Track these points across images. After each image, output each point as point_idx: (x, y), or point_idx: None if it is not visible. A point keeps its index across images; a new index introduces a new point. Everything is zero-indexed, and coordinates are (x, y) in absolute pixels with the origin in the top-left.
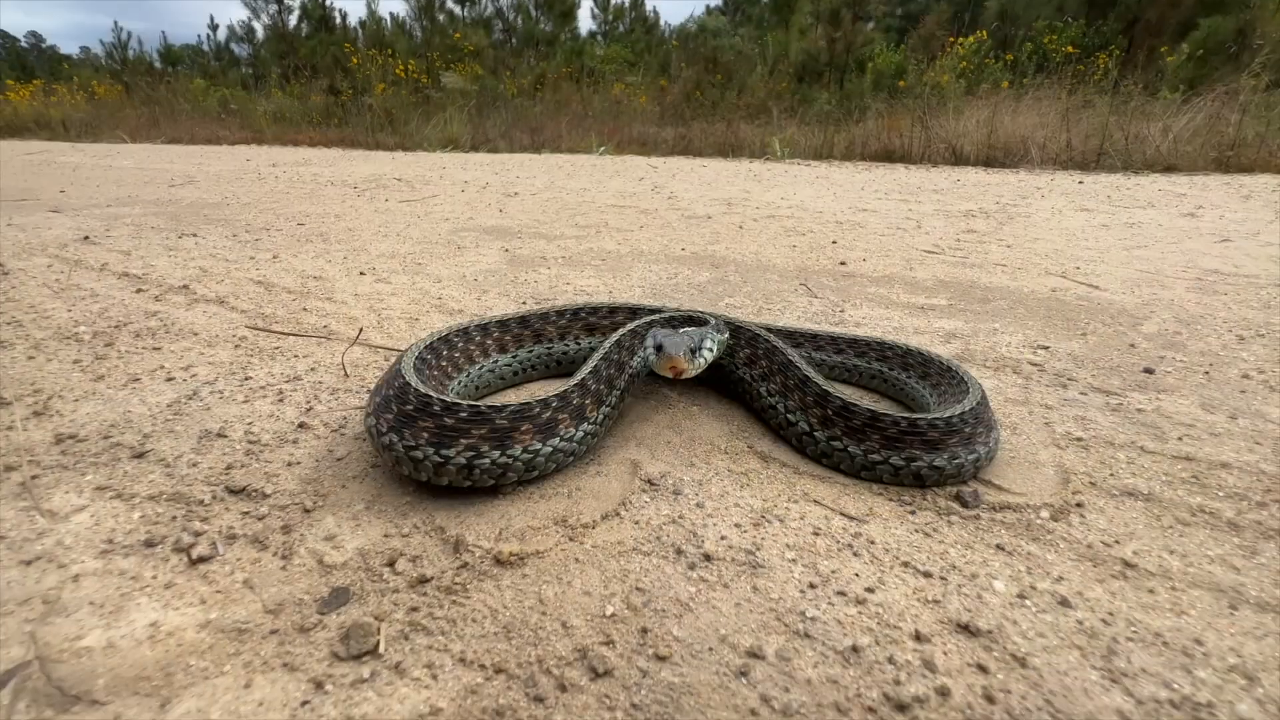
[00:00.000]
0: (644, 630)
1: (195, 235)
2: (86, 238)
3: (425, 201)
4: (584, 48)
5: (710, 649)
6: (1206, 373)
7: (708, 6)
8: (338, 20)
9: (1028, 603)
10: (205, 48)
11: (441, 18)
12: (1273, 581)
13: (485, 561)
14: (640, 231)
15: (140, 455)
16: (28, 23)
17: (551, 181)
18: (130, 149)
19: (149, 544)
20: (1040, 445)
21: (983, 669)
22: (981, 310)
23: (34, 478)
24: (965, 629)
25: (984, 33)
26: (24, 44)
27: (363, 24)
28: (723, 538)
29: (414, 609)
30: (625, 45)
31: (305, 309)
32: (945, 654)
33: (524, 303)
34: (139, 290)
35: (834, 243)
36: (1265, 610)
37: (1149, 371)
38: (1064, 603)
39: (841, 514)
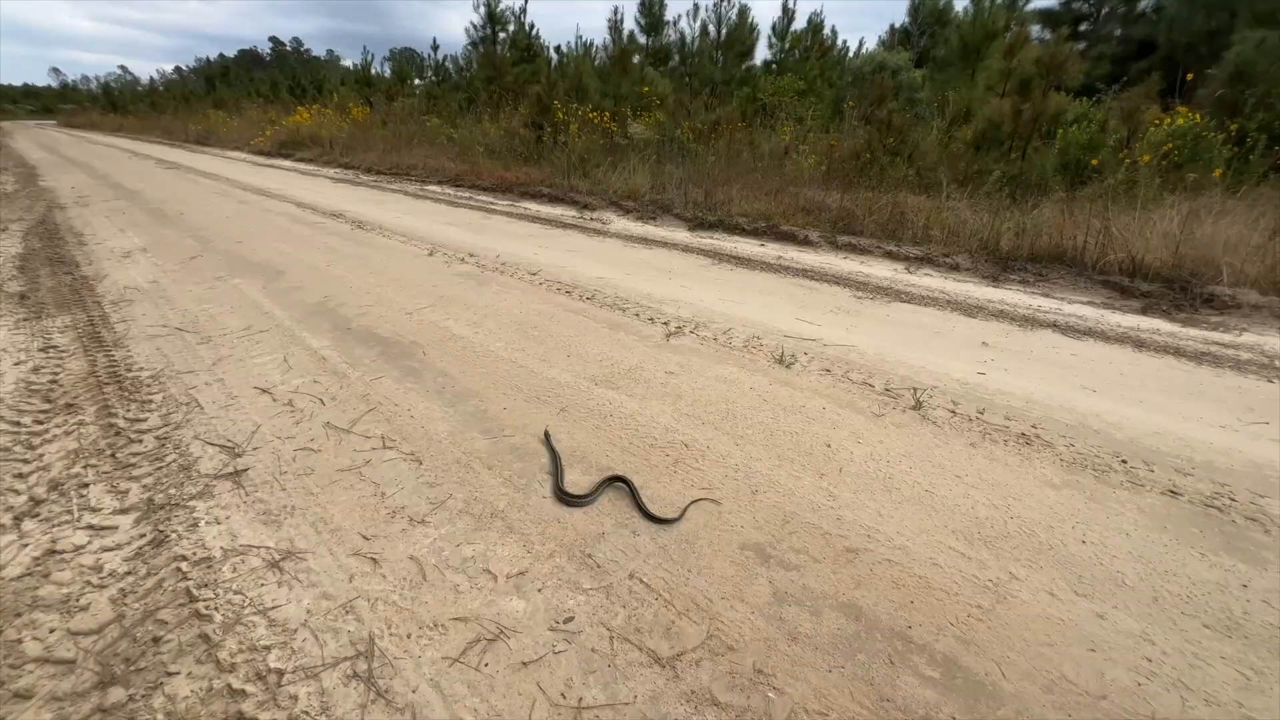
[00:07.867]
0: None
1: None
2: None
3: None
4: (757, 81)
5: None
6: None
7: (879, 38)
8: (540, 49)
9: None
10: (427, 62)
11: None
12: None
13: None
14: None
15: None
16: (289, 27)
17: (763, 323)
18: (425, 210)
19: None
20: None
21: None
22: None
23: None
24: None
25: (1199, 115)
26: (288, 47)
27: (560, 53)
28: None
29: None
30: (798, 74)
31: None
32: None
33: None
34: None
35: None
36: None
37: None
38: None
39: None
